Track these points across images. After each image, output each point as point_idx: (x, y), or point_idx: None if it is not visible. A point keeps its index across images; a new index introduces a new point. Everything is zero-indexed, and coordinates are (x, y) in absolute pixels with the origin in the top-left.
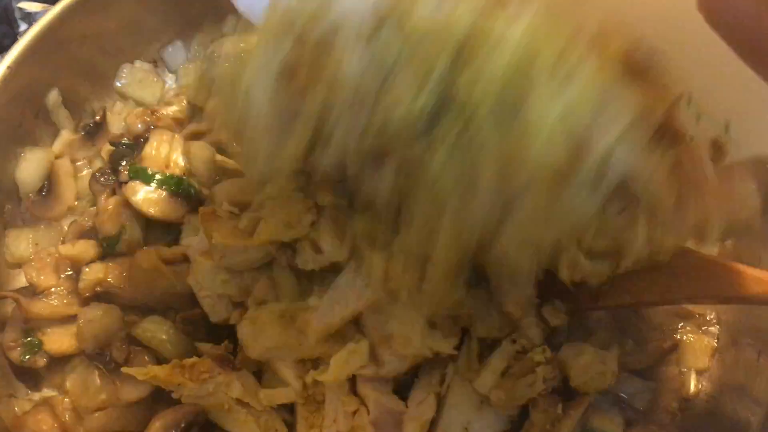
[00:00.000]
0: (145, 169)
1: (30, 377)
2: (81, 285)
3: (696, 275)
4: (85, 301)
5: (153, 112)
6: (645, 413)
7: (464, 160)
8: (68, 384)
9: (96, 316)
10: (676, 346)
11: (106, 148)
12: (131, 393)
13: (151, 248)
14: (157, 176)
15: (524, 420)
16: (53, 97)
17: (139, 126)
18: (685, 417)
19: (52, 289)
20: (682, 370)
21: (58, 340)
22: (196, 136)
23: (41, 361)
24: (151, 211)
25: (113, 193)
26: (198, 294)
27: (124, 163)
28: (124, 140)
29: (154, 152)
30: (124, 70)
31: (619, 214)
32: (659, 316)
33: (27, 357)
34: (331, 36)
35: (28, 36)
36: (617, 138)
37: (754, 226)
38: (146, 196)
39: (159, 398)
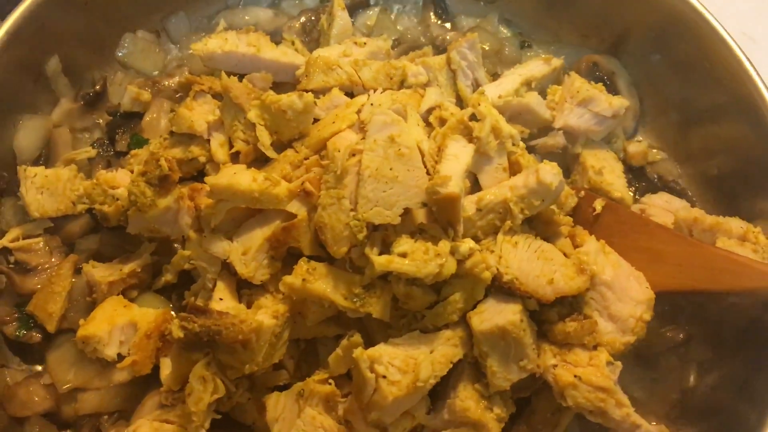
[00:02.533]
0: (145, 140)
1: (25, 351)
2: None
3: (701, 265)
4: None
5: (154, 83)
6: (643, 402)
7: None
8: (49, 360)
9: None
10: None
11: (106, 118)
12: (121, 374)
13: None
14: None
15: (525, 407)
16: (53, 64)
17: (140, 96)
18: (684, 408)
19: (46, 265)
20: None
21: None
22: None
23: (36, 337)
24: None
25: (108, 165)
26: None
27: (120, 132)
28: (123, 110)
29: (154, 122)
30: (127, 40)
31: None
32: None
33: (23, 332)
34: None
35: (28, 1)
36: None
37: None
38: None
39: (149, 378)
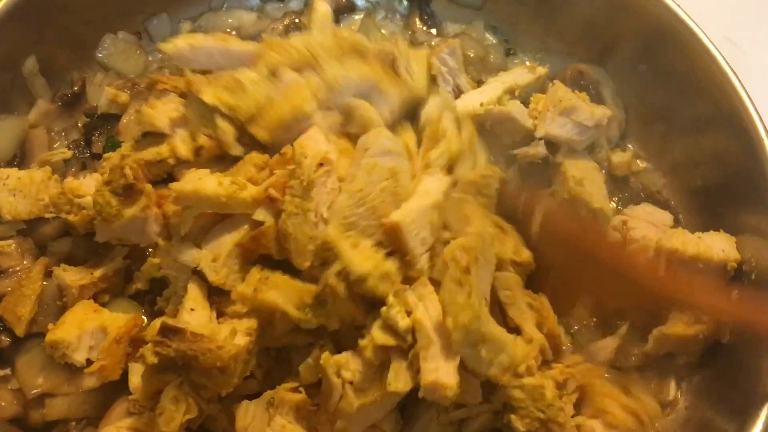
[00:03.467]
0: (119, 143)
1: None
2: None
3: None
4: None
5: (134, 84)
6: None
7: None
8: (17, 364)
9: None
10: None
11: (84, 119)
12: (90, 380)
13: None
14: None
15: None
16: (30, 64)
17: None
18: (664, 422)
19: (17, 267)
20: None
21: None
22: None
23: (5, 341)
24: None
25: (83, 167)
26: None
27: (97, 134)
28: (100, 111)
29: (131, 125)
30: (107, 41)
31: None
32: None
33: None
34: None
35: (5, 0)
36: None
37: None
38: None
39: (118, 385)
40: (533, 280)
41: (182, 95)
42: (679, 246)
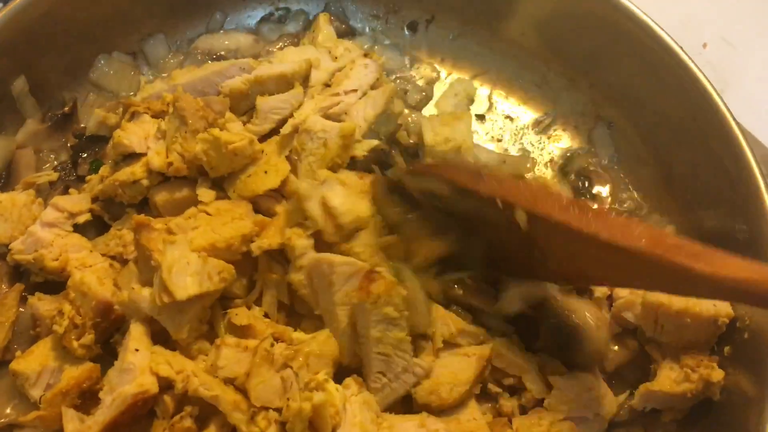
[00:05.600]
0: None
1: None
2: None
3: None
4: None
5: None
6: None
7: None
8: None
9: None
10: None
11: (73, 140)
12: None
13: None
14: None
15: None
16: (19, 84)
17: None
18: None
19: None
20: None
21: None
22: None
23: None
24: None
25: (65, 191)
26: None
27: (84, 156)
28: (88, 133)
29: None
30: (101, 61)
31: None
32: None
33: None
34: None
35: None
36: None
37: None
38: None
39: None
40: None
41: (155, 115)
42: (665, 300)
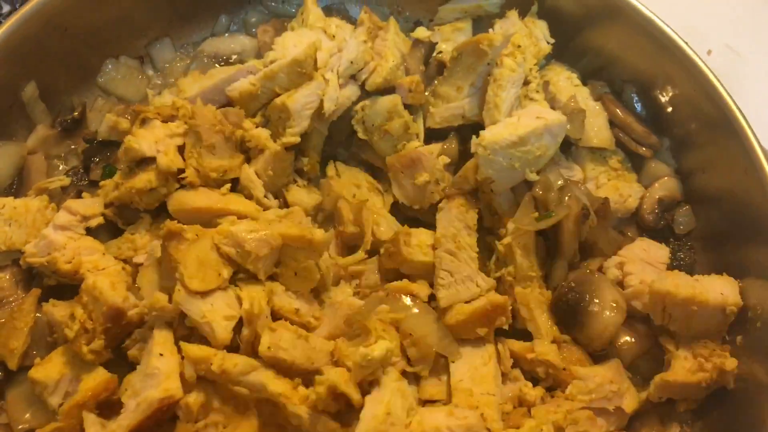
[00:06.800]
0: (116, 170)
1: None
2: None
3: None
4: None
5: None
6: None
7: None
8: (8, 398)
9: None
10: None
11: (83, 145)
12: None
13: None
14: None
15: None
16: (30, 89)
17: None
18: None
19: (10, 298)
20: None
21: None
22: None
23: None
24: None
25: (78, 195)
26: None
27: (96, 161)
28: (99, 138)
29: None
30: (109, 65)
31: None
32: None
33: None
34: None
35: (5, 25)
36: None
37: None
38: None
39: None
40: None
41: (165, 120)
42: (671, 288)
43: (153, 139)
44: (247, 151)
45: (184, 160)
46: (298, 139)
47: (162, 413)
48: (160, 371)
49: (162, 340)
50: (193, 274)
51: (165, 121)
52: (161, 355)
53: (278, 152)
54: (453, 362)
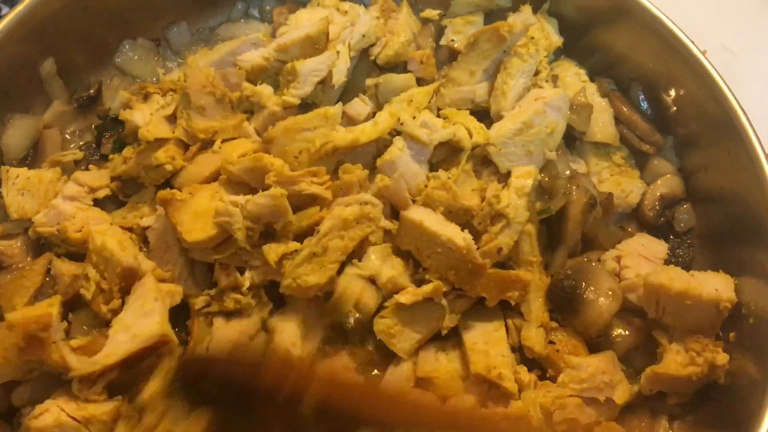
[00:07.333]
0: (126, 144)
1: None
2: None
3: None
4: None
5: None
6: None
7: None
8: None
9: None
10: None
11: (97, 121)
12: None
13: None
14: None
15: None
16: (48, 65)
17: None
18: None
19: (21, 264)
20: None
21: None
22: None
23: None
24: None
25: (88, 168)
26: None
27: (107, 136)
28: (112, 114)
29: None
30: (126, 46)
31: None
32: None
33: None
34: None
35: (27, 1)
36: None
37: None
38: None
39: None
40: None
41: (164, 94)
42: (665, 281)
43: (148, 111)
44: (251, 112)
45: None
46: (297, 101)
47: (147, 353)
48: (156, 311)
49: (153, 285)
50: (190, 228)
51: (164, 95)
52: (156, 300)
53: (275, 112)
54: (465, 330)
